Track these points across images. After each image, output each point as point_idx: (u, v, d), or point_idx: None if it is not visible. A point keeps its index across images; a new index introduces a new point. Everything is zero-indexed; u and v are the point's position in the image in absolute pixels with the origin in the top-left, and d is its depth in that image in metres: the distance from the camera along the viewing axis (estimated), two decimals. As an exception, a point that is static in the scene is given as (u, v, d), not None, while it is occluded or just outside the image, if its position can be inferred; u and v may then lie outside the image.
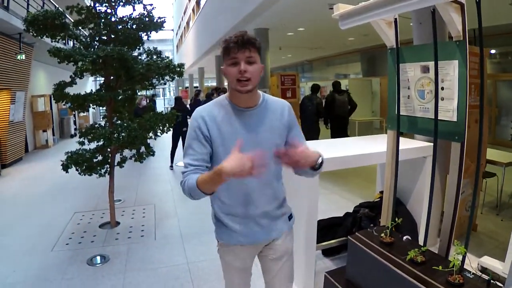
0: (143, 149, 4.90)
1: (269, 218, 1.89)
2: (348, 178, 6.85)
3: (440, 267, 2.00)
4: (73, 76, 4.62)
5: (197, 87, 28.05)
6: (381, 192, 4.17)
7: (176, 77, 4.90)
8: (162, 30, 5.23)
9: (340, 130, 9.04)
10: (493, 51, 11.09)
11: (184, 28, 29.18)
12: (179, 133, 8.35)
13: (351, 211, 4.20)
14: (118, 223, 5.07)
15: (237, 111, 1.78)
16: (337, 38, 12.81)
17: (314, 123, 8.68)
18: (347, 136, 9.10)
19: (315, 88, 8.98)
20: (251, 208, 1.82)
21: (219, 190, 1.72)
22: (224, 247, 1.94)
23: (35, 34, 4.37)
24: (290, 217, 2.02)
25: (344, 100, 8.97)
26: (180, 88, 30.43)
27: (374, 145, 3.73)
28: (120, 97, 4.82)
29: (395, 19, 2.63)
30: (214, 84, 23.68)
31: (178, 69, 4.77)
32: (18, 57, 9.47)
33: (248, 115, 1.79)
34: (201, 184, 1.59)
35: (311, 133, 8.32)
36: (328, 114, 9.02)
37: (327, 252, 3.92)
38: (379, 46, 14.22)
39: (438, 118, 2.51)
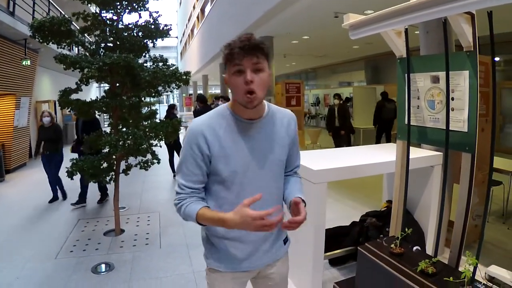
0: (148, 156, 4.88)
1: (269, 241, 1.74)
2: (353, 187, 6.79)
3: (451, 278, 1.96)
4: (78, 82, 4.63)
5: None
6: (388, 202, 4.15)
7: (182, 84, 4.90)
8: (168, 37, 5.25)
9: (382, 133, 10.92)
10: (497, 59, 11.08)
11: (189, 35, 29.29)
12: (172, 144, 8.19)
13: (357, 220, 4.18)
14: (122, 231, 5.05)
15: (241, 123, 1.59)
16: (342, 46, 12.84)
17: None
18: (390, 136, 10.94)
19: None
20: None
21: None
22: (214, 273, 1.75)
23: (41, 40, 4.37)
24: (286, 240, 1.86)
25: (392, 108, 10.35)
26: (184, 95, 30.35)
27: (380, 155, 3.71)
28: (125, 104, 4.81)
29: (406, 29, 2.61)
30: (218, 91, 23.65)
31: (184, 77, 4.76)
32: (23, 63, 9.51)
33: (252, 127, 1.60)
34: (201, 219, 1.52)
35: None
36: (377, 118, 10.73)
37: (333, 262, 3.89)
38: (383, 54, 14.27)
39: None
